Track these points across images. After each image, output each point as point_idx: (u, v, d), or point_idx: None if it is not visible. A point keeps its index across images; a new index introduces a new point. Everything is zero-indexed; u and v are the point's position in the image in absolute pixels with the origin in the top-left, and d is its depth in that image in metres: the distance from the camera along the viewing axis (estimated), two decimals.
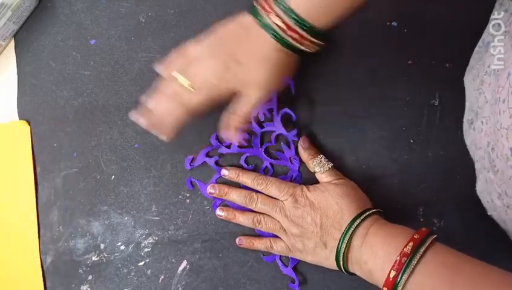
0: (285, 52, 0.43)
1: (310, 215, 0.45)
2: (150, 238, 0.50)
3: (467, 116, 0.48)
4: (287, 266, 0.49)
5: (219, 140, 0.51)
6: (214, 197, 0.50)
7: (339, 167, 0.50)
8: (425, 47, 0.50)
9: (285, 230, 0.47)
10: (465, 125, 0.48)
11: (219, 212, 0.50)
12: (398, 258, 0.38)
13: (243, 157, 0.50)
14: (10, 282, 0.51)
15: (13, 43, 0.53)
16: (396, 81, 0.50)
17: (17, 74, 0.53)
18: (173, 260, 0.50)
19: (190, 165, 0.51)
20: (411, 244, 0.39)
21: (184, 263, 0.50)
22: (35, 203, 0.51)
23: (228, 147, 0.50)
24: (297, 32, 0.41)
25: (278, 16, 0.40)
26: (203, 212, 0.51)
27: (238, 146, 0.50)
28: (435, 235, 0.40)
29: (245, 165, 0.50)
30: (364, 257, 0.42)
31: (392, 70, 0.50)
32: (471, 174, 0.50)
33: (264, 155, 0.50)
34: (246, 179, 0.49)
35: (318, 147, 0.50)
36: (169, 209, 0.51)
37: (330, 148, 0.50)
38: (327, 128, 0.50)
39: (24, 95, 0.52)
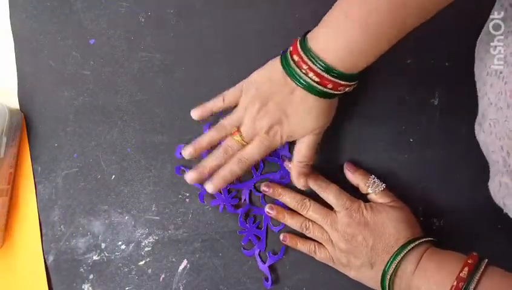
0: (326, 99, 0.44)
1: (362, 235, 0.45)
2: (150, 237, 0.51)
3: (478, 117, 0.47)
4: (264, 263, 0.49)
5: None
6: (267, 194, 0.50)
7: (339, 167, 0.50)
8: (425, 46, 0.50)
9: (332, 242, 0.46)
10: (476, 127, 0.47)
11: (269, 210, 0.49)
12: (455, 283, 0.39)
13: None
14: (14, 282, 0.52)
15: (12, 43, 0.53)
16: (396, 81, 0.50)
17: (17, 74, 0.53)
18: (174, 259, 0.51)
19: (180, 155, 0.50)
20: (466, 269, 0.39)
21: (185, 262, 0.51)
22: (36, 203, 0.51)
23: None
24: (331, 81, 0.42)
25: (311, 69, 0.41)
26: (203, 211, 0.51)
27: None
28: (486, 260, 0.40)
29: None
30: (417, 282, 0.42)
31: (392, 70, 0.50)
32: (470, 174, 0.50)
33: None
34: (311, 184, 0.48)
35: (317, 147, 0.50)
36: (169, 208, 0.51)
37: (330, 149, 0.50)
38: (326, 129, 0.50)
39: (24, 95, 0.52)
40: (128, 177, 0.51)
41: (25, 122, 0.52)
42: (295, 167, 0.47)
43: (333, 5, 0.51)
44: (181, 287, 0.50)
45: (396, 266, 0.43)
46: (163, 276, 0.51)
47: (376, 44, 0.40)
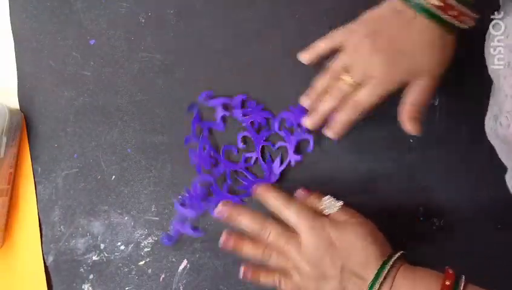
0: (446, 32, 0.41)
1: (329, 257, 0.40)
2: (149, 238, 0.51)
3: (492, 112, 0.45)
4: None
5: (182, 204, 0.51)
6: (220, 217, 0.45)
7: (338, 168, 0.50)
8: None
9: (298, 269, 0.41)
10: (489, 123, 0.45)
11: (226, 241, 0.44)
12: None
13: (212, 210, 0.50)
14: (14, 282, 0.52)
15: (12, 43, 0.53)
16: None
17: (17, 74, 0.53)
18: (174, 259, 0.51)
19: (168, 242, 0.50)
20: None
21: (185, 262, 0.51)
22: (35, 203, 0.51)
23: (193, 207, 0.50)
24: (455, 9, 0.39)
25: None
26: (203, 212, 0.51)
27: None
28: (463, 278, 0.38)
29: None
30: None
31: None
32: (471, 174, 0.50)
33: (230, 195, 0.50)
34: (269, 203, 0.44)
35: (317, 147, 0.50)
36: (168, 209, 0.51)
37: (330, 149, 0.50)
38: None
39: (24, 95, 0.52)
40: (128, 178, 0.51)
41: (25, 122, 0.52)
42: (407, 111, 0.43)
43: (333, 5, 0.51)
44: (181, 287, 0.50)
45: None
46: (163, 276, 0.51)
47: None
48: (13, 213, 0.52)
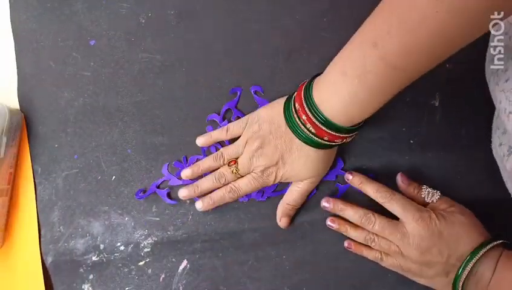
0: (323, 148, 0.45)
1: (437, 247, 0.43)
2: (149, 238, 0.51)
3: (498, 140, 0.46)
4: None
5: (170, 171, 0.51)
6: (328, 210, 0.48)
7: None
8: None
9: (402, 253, 0.45)
10: (499, 120, 0.45)
11: (330, 223, 0.48)
12: None
13: None
14: (13, 282, 0.52)
15: (13, 43, 0.53)
16: None
17: (17, 74, 0.53)
18: (174, 259, 0.51)
19: (139, 196, 0.51)
20: None
21: (185, 262, 0.51)
22: (35, 203, 0.51)
23: (179, 178, 0.50)
24: (328, 134, 0.42)
25: (309, 120, 0.42)
26: (203, 212, 0.51)
27: (190, 178, 0.50)
28: None
29: (196, 198, 0.50)
30: (493, 288, 0.41)
31: None
32: (471, 175, 0.49)
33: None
34: (369, 188, 0.47)
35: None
36: (169, 209, 0.51)
37: None
38: None
39: (24, 95, 0.52)
40: (128, 178, 0.51)
41: (25, 122, 0.52)
42: (282, 206, 0.49)
43: (332, 5, 0.51)
44: (181, 287, 0.50)
45: (470, 270, 0.41)
46: (163, 276, 0.51)
47: (376, 98, 0.39)
48: (12, 213, 0.52)
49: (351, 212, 0.47)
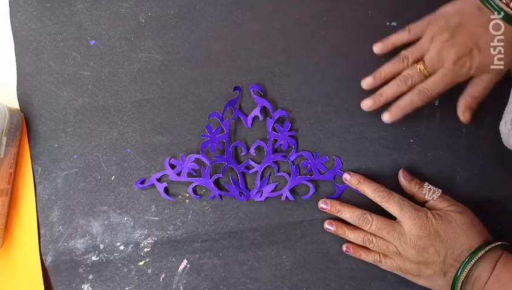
0: None
1: (434, 246, 0.43)
2: (149, 238, 0.51)
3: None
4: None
5: (171, 166, 0.51)
6: (326, 211, 0.48)
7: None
8: None
9: (400, 254, 0.45)
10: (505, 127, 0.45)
11: (328, 226, 0.48)
12: None
13: (191, 186, 0.50)
14: (12, 281, 0.52)
15: (12, 43, 0.53)
16: None
17: (17, 74, 0.53)
18: (174, 259, 0.51)
19: (139, 186, 0.50)
20: None
21: (185, 262, 0.51)
22: (35, 203, 0.51)
23: (178, 174, 0.50)
24: None
25: None
26: (203, 212, 0.51)
27: (187, 176, 0.50)
28: None
29: (193, 194, 0.50)
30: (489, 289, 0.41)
31: None
32: (471, 175, 0.49)
33: (213, 186, 0.50)
34: (367, 188, 0.47)
35: (317, 147, 0.50)
36: (168, 209, 0.51)
37: (330, 148, 0.50)
38: (327, 128, 0.50)
39: (24, 96, 0.52)
40: (128, 178, 0.51)
41: (25, 122, 0.52)
42: (466, 101, 0.46)
43: (332, 5, 0.51)
44: (181, 287, 0.50)
45: (468, 271, 0.41)
46: (163, 276, 0.51)
47: None
48: (12, 213, 0.52)
49: (348, 213, 0.47)
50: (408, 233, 0.44)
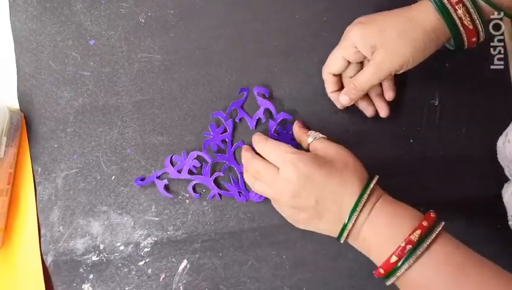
0: (436, 34, 0.43)
1: (304, 189, 0.40)
2: (149, 238, 0.51)
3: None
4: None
5: (172, 164, 0.51)
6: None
7: None
8: None
9: (276, 199, 0.43)
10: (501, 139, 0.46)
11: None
12: (403, 244, 0.36)
13: (191, 184, 0.50)
14: (13, 281, 0.52)
15: (12, 43, 0.53)
16: (396, 82, 0.50)
17: (17, 74, 0.53)
18: (174, 259, 0.51)
19: (138, 183, 0.51)
20: (418, 232, 0.37)
21: (185, 262, 0.51)
22: (35, 203, 0.51)
23: (179, 171, 0.50)
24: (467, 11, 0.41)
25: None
26: (202, 212, 0.51)
27: (188, 173, 0.50)
28: (443, 223, 0.38)
29: (192, 193, 0.50)
30: (364, 233, 0.40)
31: None
32: (471, 174, 0.50)
33: (213, 184, 0.50)
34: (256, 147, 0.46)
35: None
36: (168, 209, 0.51)
37: None
38: (327, 128, 0.50)
39: (24, 95, 0.52)
40: (128, 178, 0.51)
41: (25, 122, 0.52)
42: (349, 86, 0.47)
43: (332, 5, 0.51)
44: (181, 287, 0.50)
45: (355, 219, 0.39)
46: (163, 276, 0.51)
47: None
48: (12, 213, 0.52)
49: (243, 159, 0.46)
50: (280, 177, 0.42)
